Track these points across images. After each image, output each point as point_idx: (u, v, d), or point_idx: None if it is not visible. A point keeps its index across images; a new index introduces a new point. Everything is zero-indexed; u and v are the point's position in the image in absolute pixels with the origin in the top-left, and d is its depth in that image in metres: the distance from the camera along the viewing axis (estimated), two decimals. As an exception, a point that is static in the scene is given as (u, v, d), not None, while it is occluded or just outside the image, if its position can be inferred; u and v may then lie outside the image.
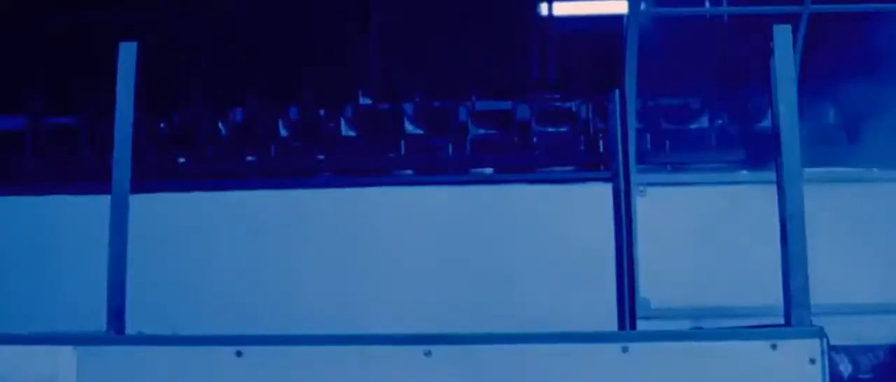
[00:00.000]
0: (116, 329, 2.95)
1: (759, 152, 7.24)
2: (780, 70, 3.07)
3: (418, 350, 2.82)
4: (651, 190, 6.18)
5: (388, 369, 2.83)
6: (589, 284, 5.87)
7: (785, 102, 3.05)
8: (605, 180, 5.67)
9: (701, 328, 5.27)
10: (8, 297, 6.26)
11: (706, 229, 6.14)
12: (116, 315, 2.94)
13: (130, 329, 3.08)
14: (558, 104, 9.26)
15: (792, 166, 3.00)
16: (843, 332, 5.73)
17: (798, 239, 2.96)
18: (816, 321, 2.97)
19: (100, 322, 3.05)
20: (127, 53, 3.03)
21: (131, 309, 3.08)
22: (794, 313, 2.94)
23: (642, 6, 6.11)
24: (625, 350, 2.84)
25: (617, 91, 5.01)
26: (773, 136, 3.12)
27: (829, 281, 4.72)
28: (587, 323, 5.12)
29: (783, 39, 3.09)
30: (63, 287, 6.29)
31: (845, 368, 5.93)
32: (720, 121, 8.70)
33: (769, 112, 3.27)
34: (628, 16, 5.90)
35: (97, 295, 3.09)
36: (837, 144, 7.85)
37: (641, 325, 5.57)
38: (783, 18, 4.68)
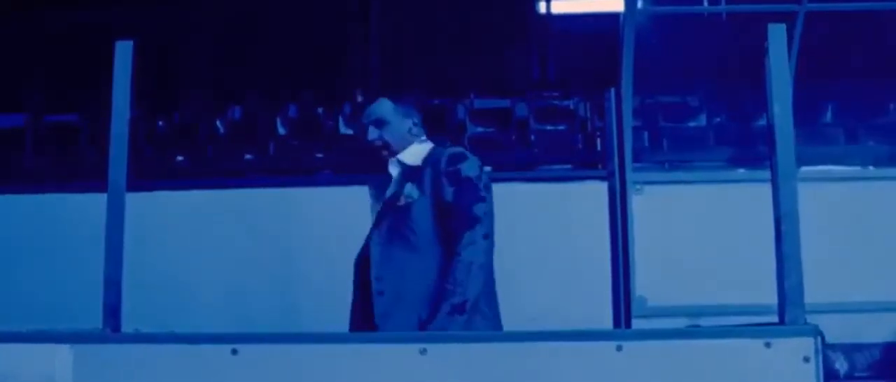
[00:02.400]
0: (112, 327, 2.96)
1: (757, 150, 7.25)
2: (774, 68, 3.08)
3: (413, 348, 2.84)
4: (648, 188, 6.19)
5: (384, 367, 2.84)
6: (586, 282, 5.88)
7: (779, 101, 3.06)
8: (602, 178, 5.67)
9: (697, 326, 5.30)
10: (7, 295, 6.27)
11: (703, 227, 6.15)
12: (112, 312, 2.95)
13: (128, 327, 3.09)
14: (556, 102, 9.29)
15: (786, 164, 3.00)
16: (840, 330, 5.75)
17: (792, 237, 2.96)
18: (813, 319, 2.98)
19: (99, 320, 3.06)
20: (123, 52, 3.04)
21: (129, 308, 3.09)
22: (789, 311, 2.94)
23: (639, 4, 6.12)
24: (619, 348, 2.85)
25: (612, 90, 5.01)
26: (768, 135, 3.12)
27: (825, 279, 4.74)
28: (584, 321, 5.13)
29: (778, 38, 3.10)
30: (63, 285, 6.29)
31: (841, 366, 5.95)
32: (718, 120, 8.73)
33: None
34: (625, 14, 5.91)
35: (96, 292, 3.10)
36: (834, 143, 7.87)
37: (639, 323, 5.58)
38: (780, 16, 4.69)
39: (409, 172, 3.92)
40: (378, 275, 3.77)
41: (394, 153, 3.98)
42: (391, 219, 3.85)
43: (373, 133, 4.00)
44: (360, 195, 6.74)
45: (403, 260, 3.77)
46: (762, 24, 3.17)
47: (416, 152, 3.97)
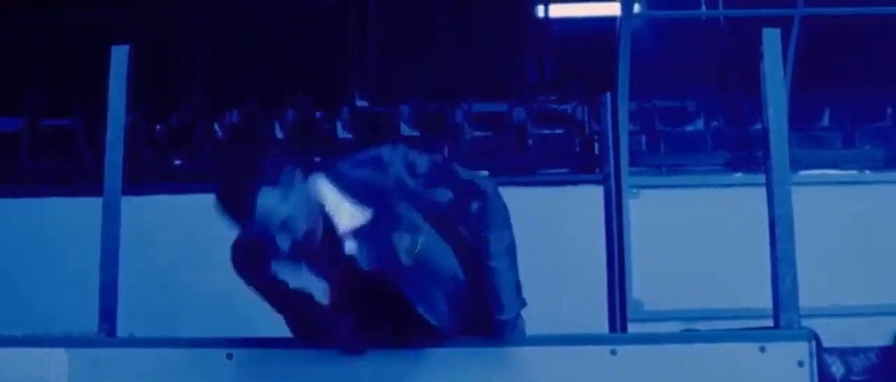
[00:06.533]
0: (108, 330, 2.96)
1: (755, 154, 7.26)
2: (769, 72, 3.09)
3: (407, 352, 2.84)
4: (645, 192, 6.19)
5: (376, 369, 2.85)
6: (582, 286, 5.88)
7: (774, 104, 3.06)
8: (598, 182, 5.68)
9: (693, 330, 5.29)
10: (3, 298, 6.27)
11: (700, 231, 6.16)
12: (107, 316, 2.95)
13: (124, 331, 3.09)
14: (554, 106, 9.28)
15: (781, 168, 3.01)
16: (836, 334, 5.76)
17: (787, 240, 2.96)
18: (810, 323, 2.98)
19: (95, 324, 3.06)
20: (119, 56, 3.04)
21: (125, 311, 3.09)
22: (783, 315, 2.94)
23: (636, 8, 6.12)
24: (613, 352, 2.86)
25: (608, 94, 5.02)
26: (763, 139, 3.13)
27: (823, 283, 4.74)
28: (579, 326, 5.13)
29: (772, 42, 3.11)
30: (59, 288, 6.29)
31: (837, 370, 5.95)
32: (715, 124, 8.72)
33: (763, 115, 3.28)
34: (621, 18, 5.92)
35: (92, 296, 3.10)
36: (831, 147, 7.88)
37: (635, 328, 5.58)
38: (777, 20, 4.69)
39: None
40: None
41: None
42: None
43: None
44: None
45: None
46: (759, 28, 3.18)
47: None
